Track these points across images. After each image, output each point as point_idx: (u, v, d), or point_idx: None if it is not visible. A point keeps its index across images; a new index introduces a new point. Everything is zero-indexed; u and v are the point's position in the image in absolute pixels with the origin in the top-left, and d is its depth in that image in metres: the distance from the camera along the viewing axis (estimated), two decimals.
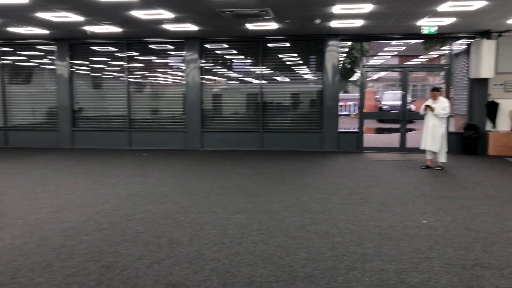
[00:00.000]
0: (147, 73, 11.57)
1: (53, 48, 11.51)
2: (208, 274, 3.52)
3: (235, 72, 11.66)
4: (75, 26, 9.22)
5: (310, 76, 11.37)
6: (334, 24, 9.01)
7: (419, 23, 8.89)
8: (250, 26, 9.21)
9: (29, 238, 4.38)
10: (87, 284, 3.34)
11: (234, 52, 11.53)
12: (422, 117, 8.56)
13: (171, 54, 11.50)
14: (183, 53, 11.19)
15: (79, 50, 11.55)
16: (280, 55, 11.28)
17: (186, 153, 10.55)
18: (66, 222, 4.93)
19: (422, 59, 22.05)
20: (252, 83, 11.32)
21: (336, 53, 10.73)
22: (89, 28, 9.48)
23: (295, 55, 11.28)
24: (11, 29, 9.64)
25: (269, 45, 11.08)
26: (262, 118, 11.13)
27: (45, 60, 11.76)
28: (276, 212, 5.32)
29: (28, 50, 11.75)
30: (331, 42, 10.65)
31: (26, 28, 9.45)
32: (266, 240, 4.31)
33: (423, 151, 8.54)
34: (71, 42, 11.36)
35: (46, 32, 10.02)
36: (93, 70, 11.70)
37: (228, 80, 11.62)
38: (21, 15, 7.97)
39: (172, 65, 11.65)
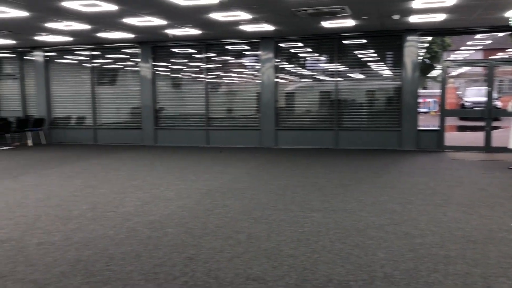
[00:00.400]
0: (223, 73, 11.91)
1: (138, 51, 12.20)
2: (287, 270, 3.59)
3: (309, 70, 11.65)
4: (157, 30, 9.72)
5: (388, 72, 11.09)
6: (413, 19, 8.73)
7: (508, 14, 8.35)
8: (325, 24, 9.17)
9: (119, 230, 4.71)
10: (173, 274, 3.55)
11: (309, 50, 11.53)
12: (509, 115, 8.05)
13: (247, 54, 11.73)
14: (259, 52, 11.38)
15: (161, 52, 12.15)
16: (356, 52, 11.10)
17: (260, 151, 10.73)
18: (152, 215, 5.25)
19: (510, 52, 20.62)
20: (326, 80, 11.25)
21: (415, 48, 10.37)
22: (170, 31, 9.94)
23: (372, 51, 11.05)
24: (100, 35, 10.36)
25: (345, 42, 10.95)
26: (337, 116, 11.04)
27: (129, 63, 12.50)
28: (353, 211, 5.28)
29: (114, 53, 12.56)
30: (410, 38, 10.31)
31: (114, 33, 10.11)
32: (344, 239, 4.30)
33: (511, 151, 8.03)
34: (154, 45, 11.98)
35: (131, 36, 10.66)
36: (173, 71, 12.24)
37: (302, 78, 11.63)
38: (111, 21, 8.54)
39: (247, 65, 11.89)
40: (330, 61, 11.16)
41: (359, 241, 4.23)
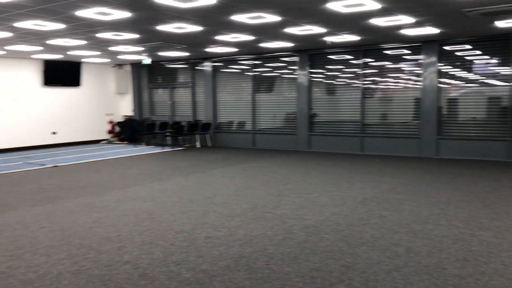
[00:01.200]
0: (380, 79, 11.59)
1: (295, 59, 12.58)
2: None
3: (476, 74, 10.65)
4: (316, 38, 9.90)
5: None
6: None
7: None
8: (500, 23, 8.31)
9: (276, 231, 4.92)
10: (329, 280, 3.58)
11: (478, 52, 10.54)
12: None
13: (406, 59, 11.23)
14: (420, 56, 10.81)
15: (317, 59, 12.34)
16: None
17: (419, 161, 10.16)
18: (307, 219, 5.36)
19: None
20: (497, 85, 10.16)
21: None
22: (329, 39, 10.05)
23: None
24: (262, 45, 10.96)
25: None
26: (510, 124, 9.89)
27: (286, 70, 12.95)
28: None
29: (273, 62, 13.15)
30: None
31: (275, 42, 10.60)
32: None
33: None
34: (311, 53, 12.22)
35: (290, 45, 11.06)
36: (328, 77, 12.33)
37: (468, 82, 10.69)
38: (273, 31, 8.98)
39: (406, 70, 11.37)
40: (503, 64, 10.05)
41: None
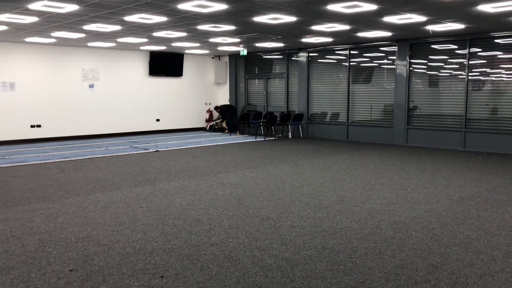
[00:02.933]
0: (489, 70, 10.71)
1: (394, 48, 12.09)
2: None
3: None
4: (417, 27, 9.42)
5: None
6: None
7: None
8: None
9: (363, 225, 4.83)
10: (414, 278, 3.44)
11: None
12: None
13: None
14: None
15: (418, 49, 11.74)
16: None
17: None
18: (397, 215, 5.18)
19: None
20: None
21: None
22: (430, 27, 9.50)
23: None
24: (359, 34, 10.68)
25: None
26: None
27: (384, 61, 12.49)
28: None
29: (371, 52, 12.75)
30: None
31: (372, 32, 10.27)
32: None
33: None
34: (412, 42, 11.66)
35: (389, 34, 10.64)
36: (430, 68, 11.68)
37: None
38: (370, 20, 8.71)
39: None
40: None
41: None
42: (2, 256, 3.94)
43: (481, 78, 10.80)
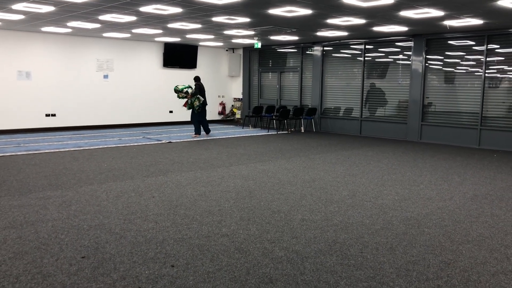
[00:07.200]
0: (506, 68, 10.53)
1: (410, 44, 11.95)
2: None
3: None
4: (434, 22, 9.29)
5: None
6: None
7: None
8: None
9: (375, 220, 4.79)
10: (426, 274, 3.41)
11: None
12: None
13: None
14: None
15: (435, 45, 11.59)
16: None
17: None
18: (409, 211, 5.14)
19: None
20: None
21: None
22: (448, 23, 9.36)
23: None
24: (375, 28, 10.57)
25: None
26: None
27: (400, 56, 12.35)
28: None
29: (386, 46, 12.62)
30: None
31: (388, 26, 10.16)
32: None
33: None
34: (428, 37, 11.51)
35: (405, 29, 10.51)
36: (446, 64, 11.52)
37: None
38: (386, 14, 8.61)
39: None
40: None
41: None
42: (16, 241, 4.00)
43: (498, 75, 10.63)
